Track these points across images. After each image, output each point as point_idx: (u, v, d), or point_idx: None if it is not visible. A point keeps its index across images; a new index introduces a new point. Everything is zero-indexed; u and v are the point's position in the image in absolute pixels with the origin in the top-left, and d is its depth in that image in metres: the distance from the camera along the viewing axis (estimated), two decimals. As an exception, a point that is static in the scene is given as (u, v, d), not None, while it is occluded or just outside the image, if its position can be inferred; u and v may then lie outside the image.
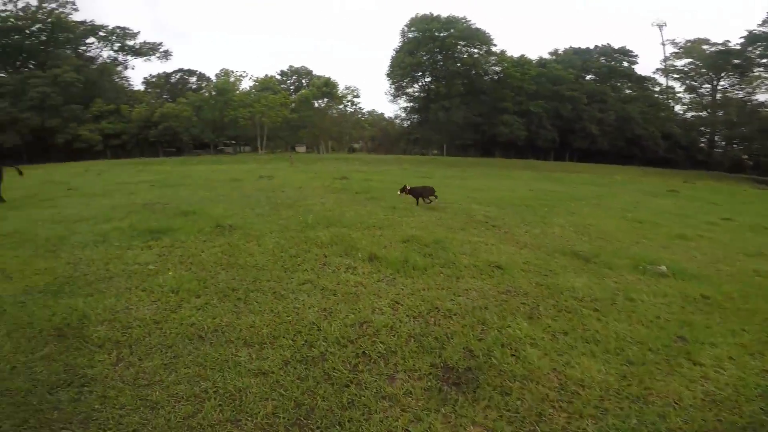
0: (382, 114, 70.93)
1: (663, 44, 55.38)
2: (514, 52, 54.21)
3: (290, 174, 16.61)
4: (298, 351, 2.89)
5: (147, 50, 55.92)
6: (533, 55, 55.59)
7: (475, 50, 53.02)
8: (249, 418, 2.22)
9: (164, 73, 59.74)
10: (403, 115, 60.42)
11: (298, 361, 2.78)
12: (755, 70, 46.70)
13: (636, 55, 55.89)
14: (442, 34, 51.61)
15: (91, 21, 51.90)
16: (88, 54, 53.10)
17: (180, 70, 60.49)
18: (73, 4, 49.47)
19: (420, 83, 56.41)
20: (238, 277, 4.19)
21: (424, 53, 52.52)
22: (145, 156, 43.42)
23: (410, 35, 53.99)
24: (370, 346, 2.95)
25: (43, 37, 48.28)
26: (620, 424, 2.26)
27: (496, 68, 53.30)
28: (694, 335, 3.35)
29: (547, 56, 57.21)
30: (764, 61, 44.77)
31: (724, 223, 10.25)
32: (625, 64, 56.57)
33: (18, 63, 48.46)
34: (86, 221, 6.96)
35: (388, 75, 55.66)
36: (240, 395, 2.40)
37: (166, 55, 57.47)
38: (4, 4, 45.85)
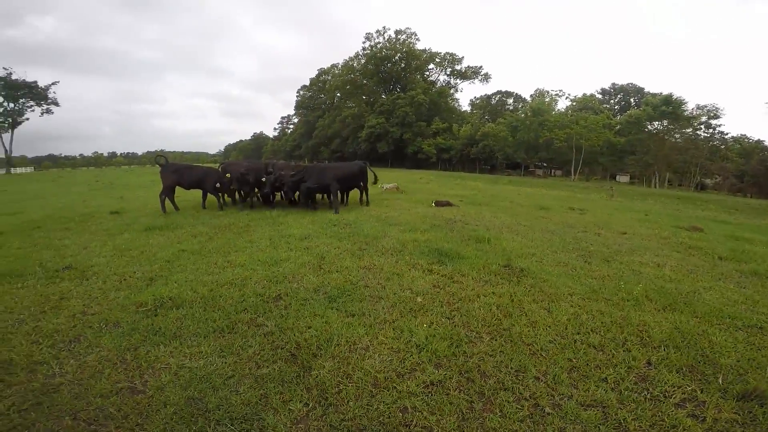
0: (759, 141, 48.59)
1: None
2: None
3: (608, 211, 13.37)
4: None
5: (470, 74, 63.50)
6: None
7: None
8: None
9: (485, 95, 66.32)
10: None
11: None
12: None
13: None
14: None
15: (429, 49, 63.26)
16: (430, 78, 65.20)
17: (498, 92, 65.52)
18: (416, 35, 62.47)
19: None
20: (501, 356, 2.95)
21: None
22: (465, 170, 49.25)
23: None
24: None
25: (402, 65, 63.35)
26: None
27: None
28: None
29: None
30: None
31: None
32: None
33: (390, 87, 65.96)
34: (397, 226, 7.70)
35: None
36: None
37: (486, 77, 63.69)
38: (378, 36, 62.83)
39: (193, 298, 3.88)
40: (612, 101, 57.61)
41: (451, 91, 66.01)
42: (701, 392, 2.60)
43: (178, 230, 7.26)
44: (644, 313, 3.81)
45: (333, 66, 73.71)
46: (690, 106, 44.05)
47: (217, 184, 9.77)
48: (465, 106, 69.06)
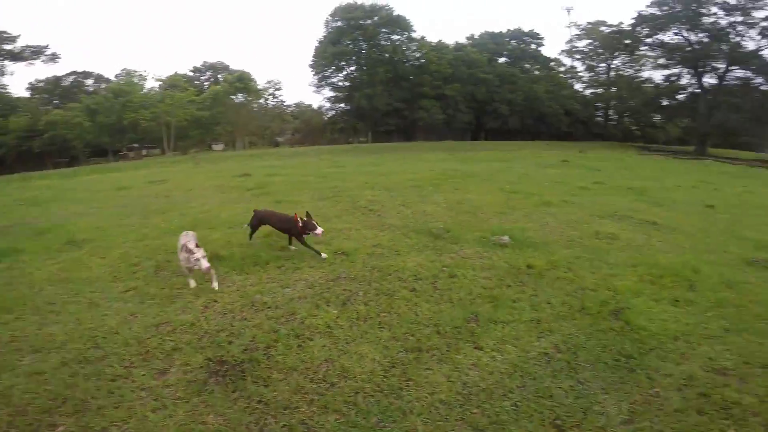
0: (309, 105, 69.64)
1: (569, 27, 59.76)
2: (433, 38, 55.91)
3: (187, 176, 15.66)
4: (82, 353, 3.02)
5: (30, 54, 48.26)
6: (451, 41, 57.97)
7: (397, 37, 53.52)
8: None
9: (54, 76, 53.01)
10: (328, 105, 59.86)
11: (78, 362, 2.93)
12: (641, 49, 49.28)
13: (542, 38, 59.74)
14: (366, 22, 51.48)
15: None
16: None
17: (74, 73, 54.41)
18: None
19: (345, 72, 55.93)
20: (63, 292, 4.15)
21: (348, 42, 52.11)
22: (29, 170, 37.21)
23: (334, 25, 53.33)
24: (158, 345, 3.09)
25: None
26: (361, 422, 2.26)
27: (417, 54, 54.12)
28: (490, 313, 3.38)
29: (464, 41, 59.81)
30: (649, 40, 47.04)
31: (595, 186, 10.81)
32: (533, 46, 60.36)
33: None
34: None
35: (311, 66, 54.59)
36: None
37: (54, 58, 50.25)
38: None
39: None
40: (203, 78, 61.98)
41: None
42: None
43: None
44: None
45: None
46: (263, 80, 55.69)
47: None
48: (22, 92, 51.00)
